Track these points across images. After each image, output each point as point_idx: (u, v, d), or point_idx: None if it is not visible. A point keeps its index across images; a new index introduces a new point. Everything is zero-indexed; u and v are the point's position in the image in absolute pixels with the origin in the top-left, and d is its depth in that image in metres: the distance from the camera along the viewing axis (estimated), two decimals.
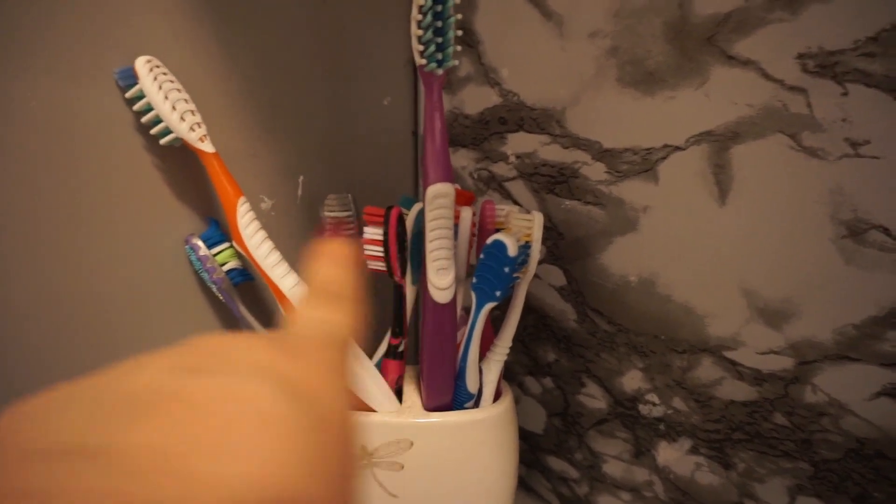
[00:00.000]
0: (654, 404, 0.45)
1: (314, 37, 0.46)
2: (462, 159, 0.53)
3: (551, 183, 0.47)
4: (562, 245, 0.47)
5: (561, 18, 0.43)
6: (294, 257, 0.40)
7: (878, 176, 0.32)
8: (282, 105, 0.45)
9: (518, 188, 0.49)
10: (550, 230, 0.48)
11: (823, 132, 0.33)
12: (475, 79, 0.49)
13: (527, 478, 0.57)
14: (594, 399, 0.49)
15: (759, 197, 0.37)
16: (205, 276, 0.40)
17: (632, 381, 0.46)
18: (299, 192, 0.47)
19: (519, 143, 0.48)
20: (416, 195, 0.58)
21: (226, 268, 0.40)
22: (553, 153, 0.46)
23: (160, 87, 0.34)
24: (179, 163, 0.39)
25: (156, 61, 0.35)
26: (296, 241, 0.47)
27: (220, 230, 0.41)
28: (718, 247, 0.39)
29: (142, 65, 0.34)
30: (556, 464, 0.54)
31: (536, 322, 0.51)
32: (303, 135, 0.47)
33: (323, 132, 0.48)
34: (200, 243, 0.40)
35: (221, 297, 0.40)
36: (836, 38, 0.32)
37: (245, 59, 0.41)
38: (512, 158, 0.49)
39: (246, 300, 0.41)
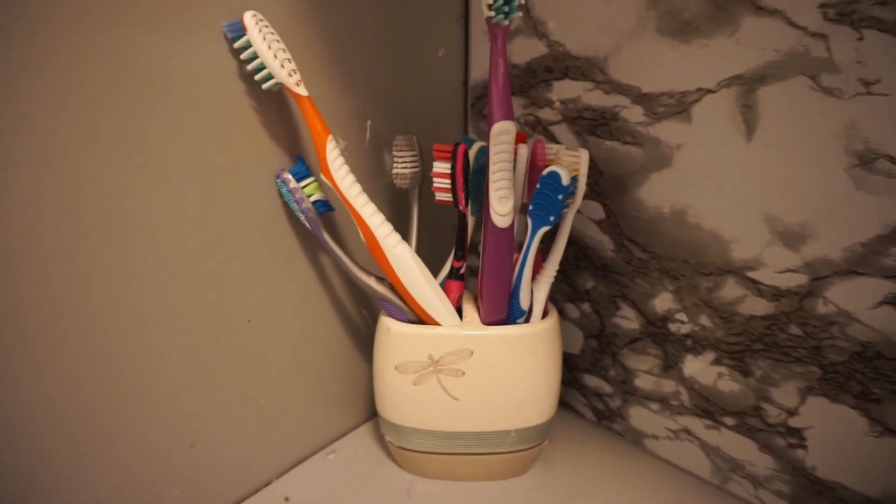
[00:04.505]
0: (683, 322, 0.51)
1: None
2: None
3: (593, 125, 0.51)
4: (601, 182, 0.52)
5: None
6: (367, 190, 0.45)
7: (887, 111, 0.37)
8: (353, 57, 0.49)
9: (562, 131, 0.54)
10: (591, 168, 0.52)
11: (840, 73, 0.38)
12: (523, 31, 0.53)
13: (564, 395, 0.63)
14: (628, 320, 0.55)
15: (782, 133, 0.41)
16: (294, 206, 0.46)
17: (662, 302, 0.52)
18: (367, 134, 0.52)
19: (564, 89, 0.52)
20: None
21: (311, 199, 0.46)
22: (595, 98, 0.50)
23: (264, 38, 0.39)
24: (272, 107, 0.45)
25: (259, 16, 0.40)
26: (366, 177, 0.53)
27: (305, 166, 0.46)
28: (744, 179, 0.44)
29: (249, 18, 0.39)
30: (592, 381, 0.60)
31: (577, 253, 0.56)
32: (370, 84, 0.51)
33: (386, 81, 0.53)
34: (290, 177, 0.45)
35: (308, 226, 0.46)
36: None
37: (323, 16, 0.46)
38: (556, 104, 0.53)
39: (327, 228, 0.47)
